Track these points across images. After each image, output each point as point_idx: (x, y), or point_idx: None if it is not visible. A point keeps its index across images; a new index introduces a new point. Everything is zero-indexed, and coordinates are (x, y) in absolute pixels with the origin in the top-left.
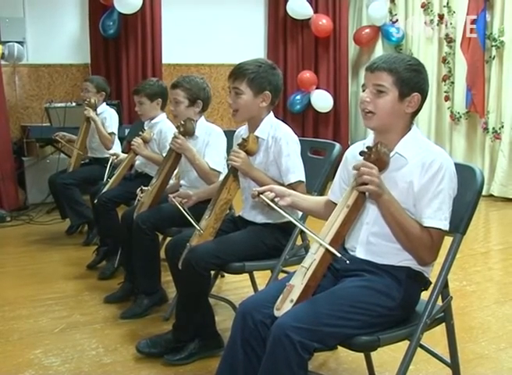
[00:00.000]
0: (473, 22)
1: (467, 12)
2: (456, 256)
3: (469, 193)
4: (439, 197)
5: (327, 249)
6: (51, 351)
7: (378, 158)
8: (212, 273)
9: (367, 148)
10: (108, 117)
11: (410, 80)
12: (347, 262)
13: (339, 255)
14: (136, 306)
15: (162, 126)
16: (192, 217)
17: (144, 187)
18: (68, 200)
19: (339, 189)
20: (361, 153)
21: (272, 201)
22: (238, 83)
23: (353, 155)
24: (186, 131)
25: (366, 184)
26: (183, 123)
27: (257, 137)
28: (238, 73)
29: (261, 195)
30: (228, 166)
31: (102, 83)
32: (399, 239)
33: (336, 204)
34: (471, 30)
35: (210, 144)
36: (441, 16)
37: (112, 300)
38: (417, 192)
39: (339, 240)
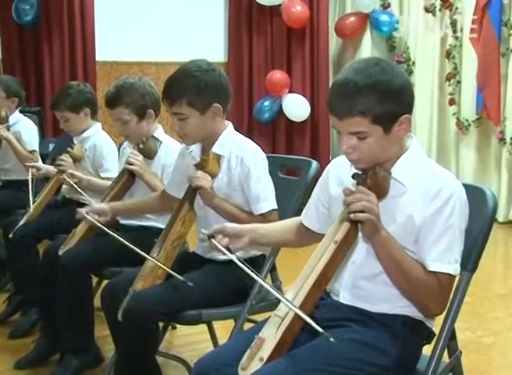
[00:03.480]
0: (485, 6)
1: None
2: (465, 299)
3: (478, 221)
4: (448, 234)
5: (305, 297)
6: None
7: (375, 183)
8: (161, 324)
9: (362, 170)
10: (23, 131)
11: (392, 108)
12: (322, 332)
13: (309, 320)
14: (61, 370)
15: (96, 140)
16: (133, 246)
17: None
18: None
19: (316, 213)
20: (354, 176)
21: (227, 248)
22: (177, 107)
23: (337, 171)
24: (146, 152)
25: (363, 212)
26: (144, 140)
27: (219, 156)
28: (172, 95)
29: (212, 240)
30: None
31: (14, 85)
32: (399, 286)
33: (309, 229)
34: (483, 16)
35: (170, 167)
36: (445, 0)
37: (24, 365)
38: (419, 227)
39: (323, 283)
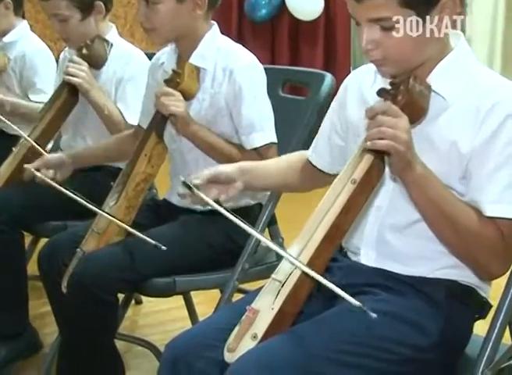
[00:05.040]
0: None
1: None
2: None
3: None
4: (509, 166)
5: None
6: None
7: (409, 101)
8: (121, 297)
9: (390, 83)
10: None
11: None
12: (341, 294)
13: (322, 279)
14: None
15: (25, 48)
16: (84, 199)
17: None
18: None
19: (328, 146)
20: (380, 92)
21: (217, 201)
22: None
23: (359, 86)
24: (93, 58)
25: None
26: (88, 42)
27: (198, 70)
28: None
29: (196, 192)
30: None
31: None
32: (445, 239)
33: (319, 170)
34: None
35: (128, 82)
36: None
37: None
38: (467, 158)
39: (337, 236)
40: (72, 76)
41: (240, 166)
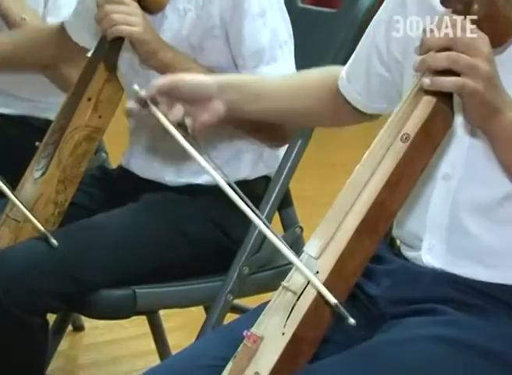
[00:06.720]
0: None
1: None
2: None
3: None
4: None
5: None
6: None
7: (489, 13)
8: (52, 320)
9: None
10: None
11: None
12: (352, 322)
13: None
14: None
15: None
16: None
17: None
18: None
19: (365, 75)
20: (447, 0)
21: (180, 126)
22: None
23: None
24: None
25: (456, 75)
26: None
27: None
28: None
29: (152, 108)
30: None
31: None
32: None
33: (350, 104)
34: None
35: None
36: None
37: None
38: None
39: (381, 222)
40: None
41: (223, 79)
